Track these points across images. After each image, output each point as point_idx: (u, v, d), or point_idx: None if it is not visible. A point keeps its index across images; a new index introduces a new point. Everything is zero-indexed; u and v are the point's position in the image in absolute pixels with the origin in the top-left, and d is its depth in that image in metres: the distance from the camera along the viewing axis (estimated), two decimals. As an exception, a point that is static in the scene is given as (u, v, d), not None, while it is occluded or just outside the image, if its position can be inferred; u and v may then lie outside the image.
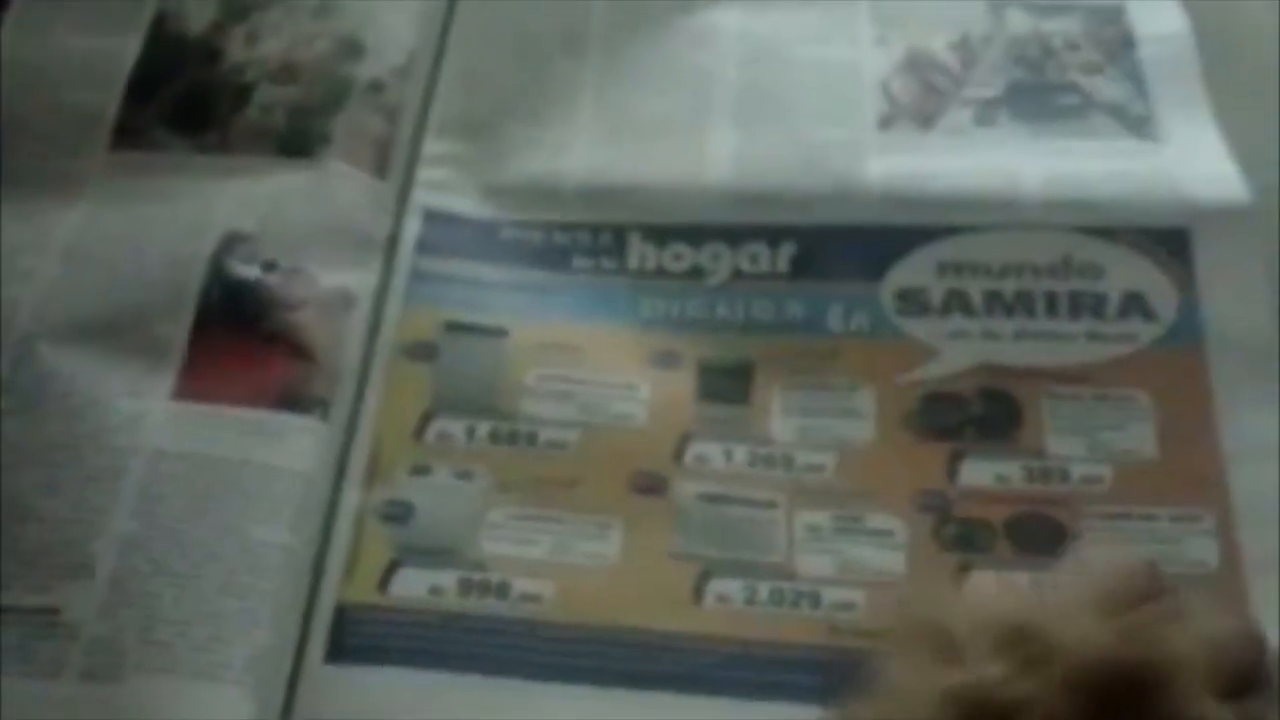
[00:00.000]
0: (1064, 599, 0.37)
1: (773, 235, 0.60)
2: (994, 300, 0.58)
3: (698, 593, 0.52)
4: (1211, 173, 0.60)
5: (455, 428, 0.56)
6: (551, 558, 0.53)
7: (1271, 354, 0.56)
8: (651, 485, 0.54)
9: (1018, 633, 0.36)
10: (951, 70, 0.66)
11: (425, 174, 0.63)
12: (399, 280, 0.60)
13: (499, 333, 0.58)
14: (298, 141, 0.63)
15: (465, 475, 0.54)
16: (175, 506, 0.53)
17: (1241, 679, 0.36)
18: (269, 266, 0.59)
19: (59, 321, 0.57)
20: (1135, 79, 0.65)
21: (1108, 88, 0.64)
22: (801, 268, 0.60)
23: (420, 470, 0.55)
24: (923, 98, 0.65)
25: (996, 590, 0.39)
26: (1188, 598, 0.38)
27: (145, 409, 0.55)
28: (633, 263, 0.60)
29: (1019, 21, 0.67)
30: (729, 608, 0.52)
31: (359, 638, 0.51)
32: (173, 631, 0.50)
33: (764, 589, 0.52)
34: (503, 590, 0.52)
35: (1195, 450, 0.54)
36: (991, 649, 0.36)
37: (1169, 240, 0.58)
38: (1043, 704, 0.34)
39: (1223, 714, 0.34)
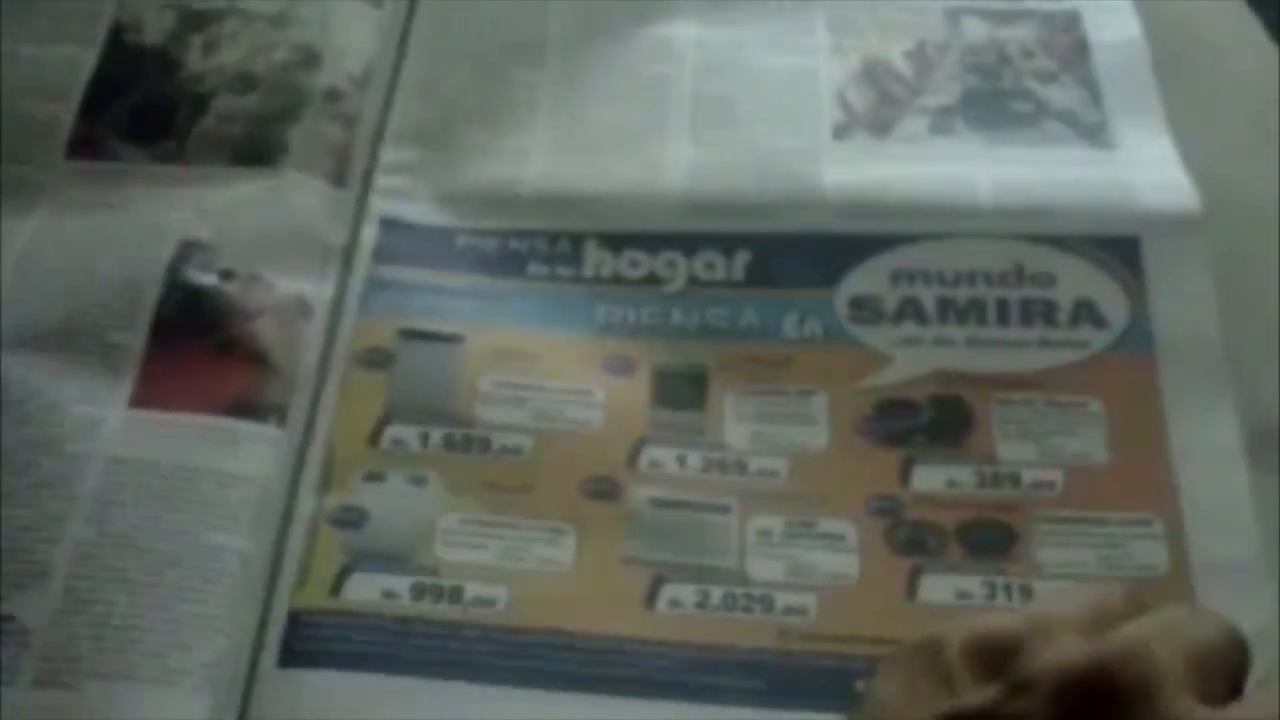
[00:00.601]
0: (1049, 621, 0.37)
1: (728, 243, 0.61)
2: (947, 308, 0.58)
3: (651, 597, 0.52)
4: (1163, 181, 0.61)
5: (409, 434, 0.56)
6: (505, 563, 0.53)
7: (1220, 361, 0.56)
8: (605, 490, 0.54)
9: (1005, 655, 0.36)
10: (907, 78, 0.66)
11: (382, 182, 0.63)
12: (355, 288, 0.60)
13: (454, 339, 0.58)
14: (255, 150, 0.63)
15: (419, 481, 0.55)
16: (131, 513, 0.53)
17: (1229, 682, 0.36)
18: (226, 275, 0.59)
19: (14, 330, 0.57)
20: (1089, 86, 0.65)
21: (1062, 95, 0.65)
22: (756, 275, 0.60)
23: (374, 476, 0.55)
24: (878, 106, 0.65)
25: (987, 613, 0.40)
26: (1169, 608, 0.38)
27: (101, 417, 0.55)
28: (589, 270, 0.60)
29: (975, 29, 0.68)
30: (681, 612, 0.52)
31: (312, 642, 0.51)
32: (127, 638, 0.50)
33: (716, 593, 0.52)
34: (456, 595, 0.52)
35: (1145, 455, 0.54)
36: (980, 672, 0.36)
37: (1120, 248, 0.59)
38: None
39: (1206, 715, 0.34)
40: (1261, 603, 0.50)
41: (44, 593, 0.51)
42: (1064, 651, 0.35)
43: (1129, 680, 0.34)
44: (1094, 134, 0.63)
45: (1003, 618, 0.38)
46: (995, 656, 0.36)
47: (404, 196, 0.63)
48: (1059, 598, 0.40)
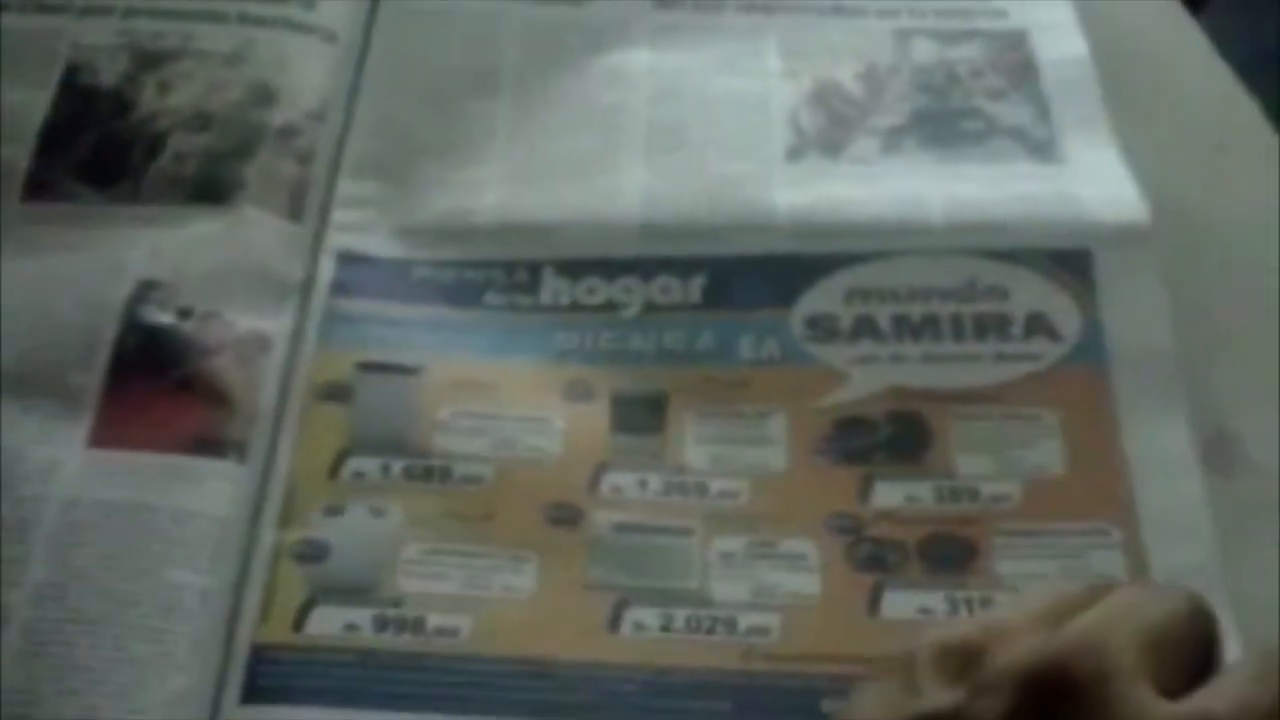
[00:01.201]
0: (1009, 624, 0.38)
1: (684, 267, 0.61)
2: (901, 324, 0.59)
3: (615, 622, 0.52)
4: (1112, 193, 0.62)
5: (370, 466, 0.56)
6: (467, 592, 0.53)
7: (1172, 369, 0.57)
8: (566, 517, 0.55)
9: (967, 657, 0.36)
10: (858, 99, 0.67)
11: (339, 216, 0.63)
12: (313, 322, 0.60)
13: (413, 371, 0.58)
14: (211, 188, 0.63)
15: (380, 512, 0.55)
16: (90, 554, 0.52)
17: (1193, 657, 0.37)
18: (184, 313, 0.59)
19: (-30, 372, 0.57)
20: (1038, 103, 0.66)
21: (1011, 113, 0.66)
22: (713, 298, 0.60)
23: (334, 510, 0.55)
24: (830, 128, 0.66)
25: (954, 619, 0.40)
26: (1126, 590, 0.39)
27: (59, 458, 0.55)
28: (546, 298, 0.61)
29: (924, 50, 0.69)
30: (646, 636, 0.52)
31: (274, 678, 0.51)
32: (88, 679, 0.50)
33: (680, 616, 0.52)
34: (419, 625, 0.52)
35: (1101, 466, 0.55)
36: (945, 679, 0.36)
37: (1071, 261, 0.60)
38: None
39: (1162, 707, 0.35)
40: (1219, 607, 0.51)
41: (4, 635, 0.51)
42: (1022, 650, 0.36)
43: (1086, 673, 0.35)
44: (1043, 149, 0.64)
45: (966, 624, 0.38)
46: (959, 662, 0.37)
47: (361, 230, 0.63)
48: (1019, 601, 0.40)
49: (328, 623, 0.52)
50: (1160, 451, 0.55)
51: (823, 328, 0.59)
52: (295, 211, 0.63)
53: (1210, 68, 0.69)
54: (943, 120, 0.66)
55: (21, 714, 0.49)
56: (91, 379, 0.57)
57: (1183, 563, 0.52)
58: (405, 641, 0.51)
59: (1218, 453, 0.56)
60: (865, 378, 0.58)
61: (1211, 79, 0.68)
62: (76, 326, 0.58)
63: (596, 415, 0.57)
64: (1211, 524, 0.53)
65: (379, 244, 0.62)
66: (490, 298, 0.61)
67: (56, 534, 0.53)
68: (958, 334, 0.58)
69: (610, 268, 0.61)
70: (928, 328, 0.58)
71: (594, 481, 0.55)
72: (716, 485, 0.55)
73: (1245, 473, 0.56)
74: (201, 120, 0.65)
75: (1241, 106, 0.67)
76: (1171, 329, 0.58)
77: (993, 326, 0.58)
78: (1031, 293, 0.59)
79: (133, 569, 0.52)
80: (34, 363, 0.57)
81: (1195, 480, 0.54)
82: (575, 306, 0.60)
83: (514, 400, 0.58)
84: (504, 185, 0.64)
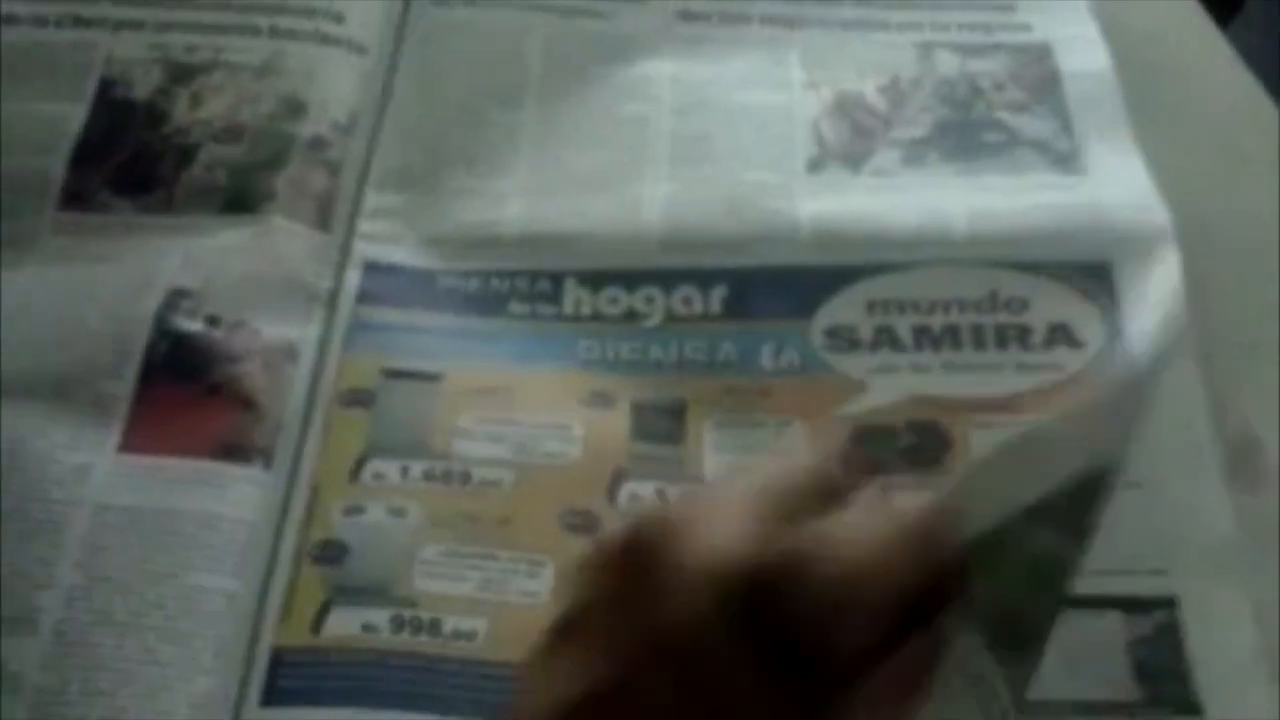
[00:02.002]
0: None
1: (705, 278, 0.62)
2: (922, 335, 0.59)
3: (630, 628, 0.53)
4: (1134, 200, 0.62)
5: (390, 468, 0.56)
6: (484, 595, 0.53)
7: (1195, 379, 0.57)
8: (583, 524, 0.55)
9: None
10: (880, 111, 0.67)
11: (366, 226, 0.64)
12: (339, 330, 0.61)
13: (434, 377, 0.59)
14: (241, 199, 0.64)
15: (398, 512, 0.55)
16: (118, 557, 0.53)
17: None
18: (212, 321, 0.60)
19: (5, 379, 0.58)
20: (1060, 115, 0.66)
21: (1033, 125, 0.66)
22: (733, 309, 0.61)
23: (354, 510, 0.55)
24: (852, 139, 0.66)
25: None
26: None
27: (90, 463, 0.56)
28: (569, 307, 0.61)
29: (947, 62, 0.69)
30: (661, 643, 0.52)
31: (294, 680, 0.51)
32: (116, 680, 0.51)
33: (695, 623, 0.53)
34: (435, 628, 0.52)
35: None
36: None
37: (1094, 271, 0.60)
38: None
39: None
40: (1244, 617, 0.51)
41: (34, 637, 0.52)
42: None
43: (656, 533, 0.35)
44: (1065, 161, 0.64)
45: None
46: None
47: (387, 240, 0.64)
48: None
49: (345, 623, 0.52)
50: (1182, 458, 0.55)
51: (842, 338, 0.59)
52: (323, 221, 0.64)
53: (1233, 78, 0.69)
54: (965, 132, 0.66)
55: (50, 714, 0.50)
56: (122, 386, 0.58)
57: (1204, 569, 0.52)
58: (422, 643, 0.52)
59: (1240, 462, 0.55)
60: (884, 387, 0.58)
61: (1235, 89, 0.68)
62: (108, 335, 0.60)
63: (616, 423, 0.58)
64: (1235, 530, 0.53)
65: (405, 254, 0.63)
66: (514, 307, 0.61)
67: (87, 538, 0.54)
68: (978, 344, 0.58)
69: (632, 278, 0.62)
70: (948, 337, 0.59)
71: (612, 490, 0.56)
72: (735, 493, 0.56)
73: (1267, 482, 0.55)
74: (232, 132, 0.66)
75: (1265, 116, 0.67)
76: (1194, 338, 0.58)
77: (1014, 336, 0.58)
78: (1053, 303, 0.59)
79: (160, 573, 0.53)
80: (67, 370, 0.58)
81: (1217, 488, 0.54)
82: (597, 316, 0.61)
83: (534, 406, 0.58)
84: (528, 196, 0.65)
